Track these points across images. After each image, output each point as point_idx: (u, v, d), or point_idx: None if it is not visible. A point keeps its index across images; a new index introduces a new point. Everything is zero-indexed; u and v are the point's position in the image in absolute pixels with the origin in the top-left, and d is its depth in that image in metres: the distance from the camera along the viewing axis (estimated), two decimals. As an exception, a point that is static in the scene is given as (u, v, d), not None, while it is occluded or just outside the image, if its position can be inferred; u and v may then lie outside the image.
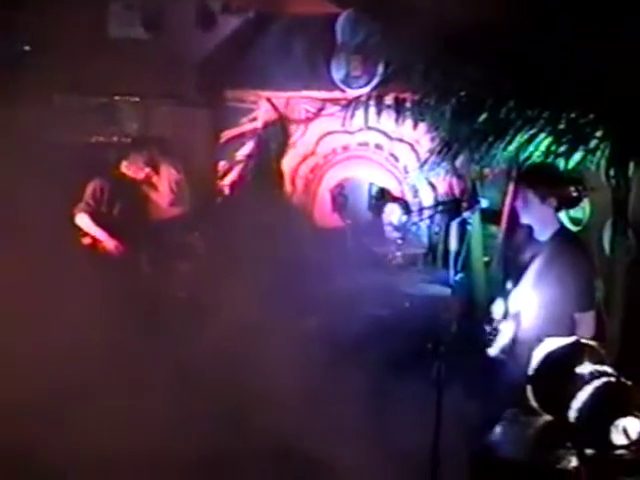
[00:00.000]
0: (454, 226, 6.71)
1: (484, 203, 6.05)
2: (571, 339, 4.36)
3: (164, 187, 8.80)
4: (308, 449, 5.80)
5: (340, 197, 9.16)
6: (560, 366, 4.14)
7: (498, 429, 4.26)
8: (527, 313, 5.49)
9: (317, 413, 6.09)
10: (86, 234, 8.17)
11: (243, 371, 6.47)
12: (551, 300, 5.37)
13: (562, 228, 5.61)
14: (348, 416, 6.03)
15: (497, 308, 5.72)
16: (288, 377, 6.24)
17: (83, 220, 8.14)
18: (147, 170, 8.47)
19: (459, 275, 5.81)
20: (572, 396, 3.94)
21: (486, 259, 7.80)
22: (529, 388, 4.23)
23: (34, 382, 6.05)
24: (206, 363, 6.63)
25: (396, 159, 9.05)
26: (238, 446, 5.98)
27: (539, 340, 4.46)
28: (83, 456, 5.53)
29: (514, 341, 5.51)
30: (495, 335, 5.63)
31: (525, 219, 5.61)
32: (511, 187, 7.61)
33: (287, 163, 9.32)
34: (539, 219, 5.53)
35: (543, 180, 5.54)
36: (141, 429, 5.69)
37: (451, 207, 7.22)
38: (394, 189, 9.00)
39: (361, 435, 5.86)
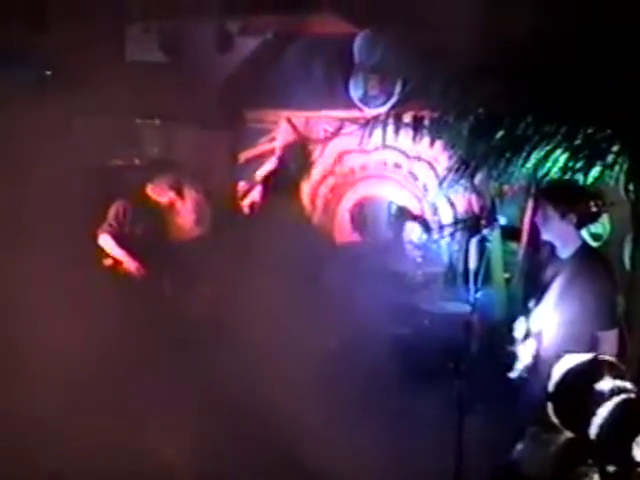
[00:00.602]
0: (474, 243, 6.69)
1: (503, 220, 6.06)
2: (590, 355, 4.34)
3: (187, 209, 8.82)
4: (329, 470, 5.78)
5: (360, 216, 9.18)
6: (580, 382, 4.11)
7: (520, 447, 4.24)
8: (549, 332, 5.45)
9: (338, 433, 6.07)
10: (108, 255, 8.22)
11: (265, 392, 6.45)
12: (573, 318, 5.33)
13: (584, 245, 5.57)
14: (370, 436, 6.01)
15: (519, 326, 5.70)
16: (310, 397, 6.24)
17: (106, 241, 8.20)
18: (171, 193, 8.51)
19: (479, 293, 5.80)
20: (592, 412, 3.92)
21: (506, 276, 7.79)
22: (550, 405, 4.21)
23: (55, 401, 6.08)
24: (228, 384, 6.62)
25: (415, 177, 9.06)
26: (260, 465, 5.98)
27: (558, 356, 4.44)
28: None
29: (536, 360, 5.48)
30: (516, 354, 5.60)
31: (546, 236, 5.58)
32: (530, 204, 7.61)
33: (306, 183, 9.35)
34: (560, 236, 5.50)
35: (562, 196, 5.52)
36: (166, 450, 5.70)
37: (471, 224, 7.24)
38: (413, 207, 9.00)
39: (383, 456, 5.85)
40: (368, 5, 8.36)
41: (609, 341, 5.30)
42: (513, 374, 5.55)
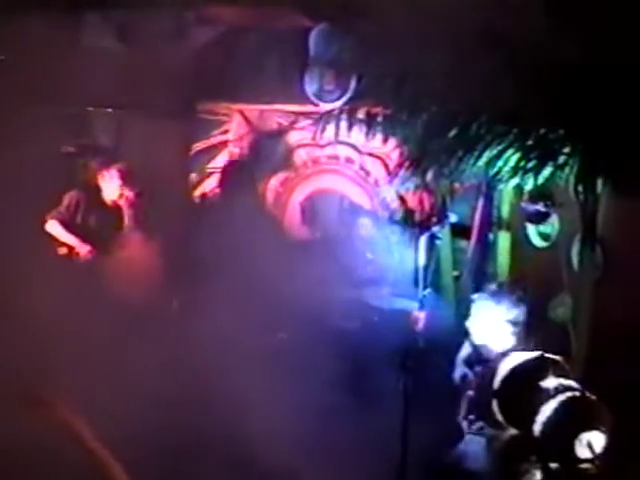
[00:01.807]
0: (423, 241, 6.73)
1: (453, 218, 6.10)
2: (536, 354, 4.39)
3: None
4: (271, 459, 5.77)
5: (310, 210, 9.18)
6: (525, 380, 4.17)
7: (464, 442, 4.28)
8: (490, 324, 5.53)
9: (283, 426, 6.06)
10: (62, 244, 8.15)
11: (211, 386, 6.43)
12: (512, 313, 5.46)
13: None
14: (314, 429, 6.02)
15: (466, 322, 5.76)
16: (256, 391, 6.23)
17: (54, 227, 8.13)
18: (120, 183, 8.44)
19: (427, 290, 5.83)
20: (537, 410, 3.97)
21: (455, 274, 7.84)
22: (494, 402, 4.25)
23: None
24: (173, 375, 6.59)
25: (367, 173, 9.08)
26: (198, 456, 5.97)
27: (504, 354, 4.48)
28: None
29: (479, 353, 5.54)
30: (460, 348, 5.67)
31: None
32: (481, 202, 7.67)
33: (258, 176, 9.32)
34: None
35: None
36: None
37: (421, 221, 7.27)
38: (365, 203, 9.02)
39: (326, 451, 5.85)
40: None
41: None
42: (458, 370, 5.61)
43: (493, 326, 5.52)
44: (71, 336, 6.82)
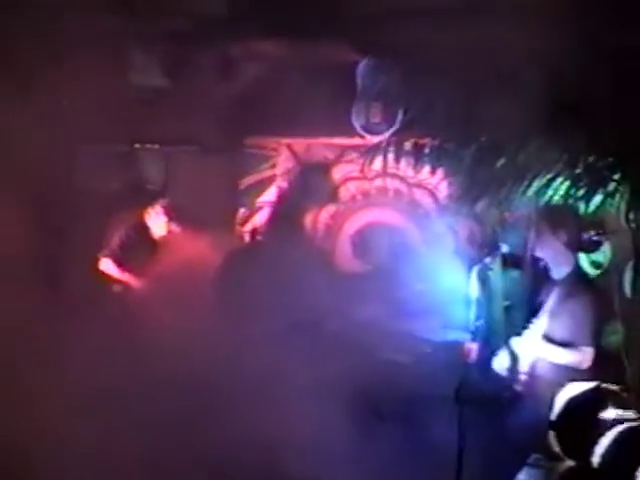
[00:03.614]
0: (475, 272, 6.70)
1: (505, 248, 6.07)
2: (593, 384, 4.34)
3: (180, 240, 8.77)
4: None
5: (361, 243, 9.18)
6: (583, 411, 4.11)
7: (522, 475, 4.22)
8: (544, 352, 5.53)
9: (335, 462, 6.03)
10: (115, 281, 8.22)
11: (261, 418, 6.42)
12: (563, 339, 5.45)
13: (577, 269, 5.70)
14: (366, 464, 5.98)
15: (515, 346, 5.76)
16: (308, 425, 6.21)
17: (107, 265, 8.20)
18: (166, 220, 8.51)
19: (479, 321, 5.80)
20: (595, 441, 3.91)
21: (507, 304, 7.78)
22: (552, 434, 4.20)
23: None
24: (224, 409, 6.59)
25: (416, 205, 9.06)
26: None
27: (560, 384, 4.44)
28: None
29: (533, 382, 5.52)
30: (515, 378, 5.64)
31: (539, 252, 5.72)
32: (532, 231, 7.62)
33: (307, 210, 9.33)
34: (552, 254, 5.66)
35: (553, 212, 5.64)
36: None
37: (472, 252, 7.24)
38: (415, 235, 9.00)
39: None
40: (372, 33, 8.36)
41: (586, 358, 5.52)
42: (511, 400, 5.58)
43: (539, 350, 5.55)
44: (121, 372, 6.88)
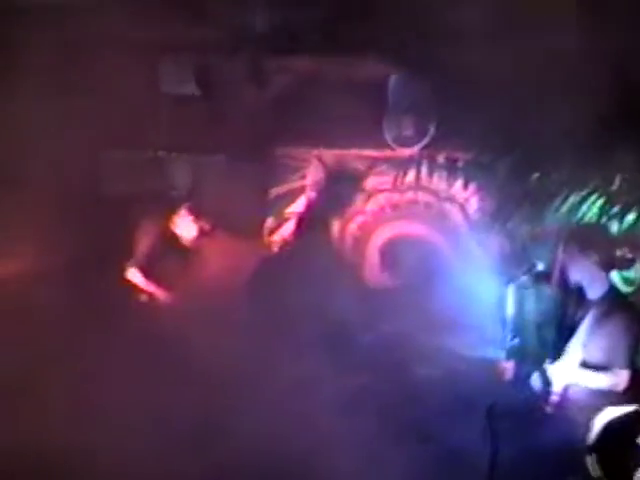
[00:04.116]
0: (511, 289, 6.68)
1: (540, 266, 6.05)
2: (631, 408, 4.30)
3: (213, 249, 8.78)
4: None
5: (390, 255, 9.14)
6: (622, 436, 4.07)
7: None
8: (579, 372, 5.49)
9: (363, 477, 6.01)
10: (142, 291, 8.21)
11: (291, 430, 6.40)
12: (600, 359, 5.41)
13: (612, 288, 5.66)
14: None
15: (550, 370, 5.71)
16: (333, 436, 6.19)
17: (134, 275, 8.18)
18: (196, 227, 8.51)
19: (513, 338, 5.77)
20: (636, 465, 3.87)
21: (539, 320, 7.73)
22: (590, 457, 4.16)
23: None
24: (254, 418, 6.58)
25: (446, 218, 9.01)
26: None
27: (596, 407, 4.41)
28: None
29: (566, 404, 5.48)
30: (548, 399, 5.61)
31: (573, 275, 5.67)
32: (561, 247, 7.57)
33: (336, 221, 9.33)
34: (586, 275, 5.60)
35: (584, 234, 5.61)
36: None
37: (503, 268, 7.20)
38: (445, 249, 8.95)
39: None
40: (404, 47, 8.34)
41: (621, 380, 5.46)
42: (544, 420, 5.55)
43: (575, 369, 5.52)
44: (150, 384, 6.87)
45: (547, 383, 5.73)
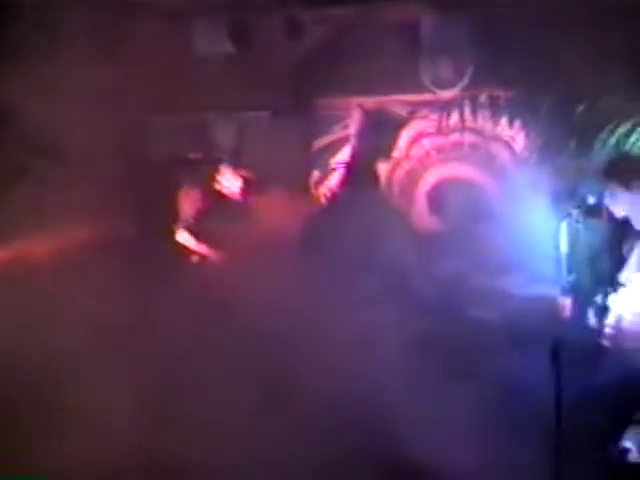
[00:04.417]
0: (564, 226, 6.63)
1: (592, 200, 6.00)
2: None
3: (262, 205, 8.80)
4: (417, 457, 5.72)
5: (438, 199, 9.11)
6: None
7: (630, 433, 4.16)
8: (635, 302, 5.49)
9: (427, 421, 6.01)
10: (192, 252, 8.25)
11: (351, 379, 6.42)
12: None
13: None
14: (462, 422, 5.96)
15: (606, 302, 5.71)
16: (396, 384, 6.21)
17: (184, 237, 8.22)
18: (240, 182, 8.53)
19: (568, 274, 5.74)
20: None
21: (592, 255, 7.68)
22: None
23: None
24: (314, 373, 6.60)
25: (493, 158, 8.93)
26: (343, 455, 5.95)
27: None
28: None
29: (624, 334, 5.46)
30: (605, 330, 5.60)
31: (618, 210, 5.64)
32: (609, 179, 7.50)
33: (382, 168, 9.30)
34: (631, 208, 5.56)
35: (621, 169, 5.56)
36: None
37: (554, 204, 7.15)
38: (494, 189, 8.88)
39: (475, 440, 5.78)
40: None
41: None
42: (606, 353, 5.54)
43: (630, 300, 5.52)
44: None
45: (603, 316, 5.71)
